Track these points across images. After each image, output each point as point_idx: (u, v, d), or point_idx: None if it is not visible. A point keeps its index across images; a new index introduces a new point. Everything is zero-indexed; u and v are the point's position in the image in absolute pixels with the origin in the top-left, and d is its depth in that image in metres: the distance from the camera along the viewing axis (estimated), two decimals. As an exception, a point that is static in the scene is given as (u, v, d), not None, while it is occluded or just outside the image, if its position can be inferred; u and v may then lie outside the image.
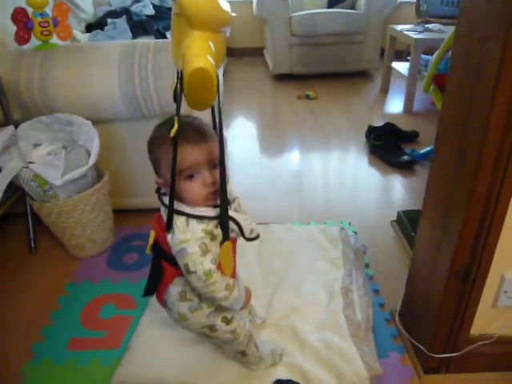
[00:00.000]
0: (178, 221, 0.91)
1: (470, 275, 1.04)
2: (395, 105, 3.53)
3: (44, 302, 1.50)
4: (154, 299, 1.41)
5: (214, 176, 0.93)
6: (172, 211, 0.90)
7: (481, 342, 1.14)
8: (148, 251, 1.00)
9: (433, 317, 1.14)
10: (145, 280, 1.50)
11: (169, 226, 0.91)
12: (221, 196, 0.91)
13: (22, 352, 1.31)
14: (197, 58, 0.77)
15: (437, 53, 2.18)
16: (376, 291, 1.50)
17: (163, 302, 1.05)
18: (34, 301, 1.52)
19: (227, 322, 1.04)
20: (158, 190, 1.00)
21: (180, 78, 0.81)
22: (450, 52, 1.11)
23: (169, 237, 0.92)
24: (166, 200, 0.92)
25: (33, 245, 1.75)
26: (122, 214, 1.89)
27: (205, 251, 0.90)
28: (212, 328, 1.04)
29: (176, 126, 0.82)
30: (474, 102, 0.91)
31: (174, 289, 1.00)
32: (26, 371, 1.25)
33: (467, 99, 0.94)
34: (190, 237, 0.90)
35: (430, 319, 1.15)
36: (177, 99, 0.85)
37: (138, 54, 1.59)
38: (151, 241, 0.99)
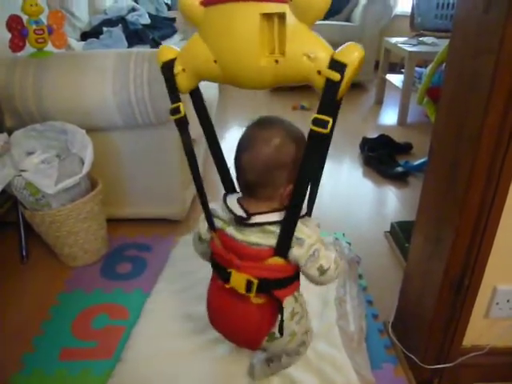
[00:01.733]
0: (301, 226, 0.89)
1: (462, 286, 1.04)
2: (389, 117, 3.55)
3: (35, 312, 1.48)
4: (147, 308, 1.41)
5: None
6: (296, 220, 0.88)
7: (473, 353, 1.14)
8: (253, 295, 0.93)
9: (425, 328, 1.14)
10: (139, 289, 1.51)
11: (289, 239, 0.88)
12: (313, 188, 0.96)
13: (11, 362, 1.29)
14: (350, 47, 0.78)
15: (431, 65, 2.20)
16: (369, 302, 1.50)
17: (269, 338, 0.99)
18: (24, 310, 1.50)
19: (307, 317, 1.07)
20: (246, 216, 0.93)
21: (340, 71, 0.77)
22: (444, 65, 1.12)
23: (295, 250, 0.89)
24: (273, 217, 0.91)
25: (24, 253, 1.74)
26: (115, 223, 1.88)
27: (324, 244, 0.92)
28: (307, 332, 1.08)
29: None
30: (467, 115, 0.92)
31: (285, 313, 0.95)
32: (16, 381, 1.23)
33: (460, 111, 0.95)
34: (316, 236, 0.91)
35: (423, 330, 1.15)
36: (335, 99, 0.81)
37: (133, 62, 1.59)
38: (245, 281, 0.92)
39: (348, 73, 0.77)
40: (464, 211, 0.95)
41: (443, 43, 3.01)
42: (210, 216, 0.98)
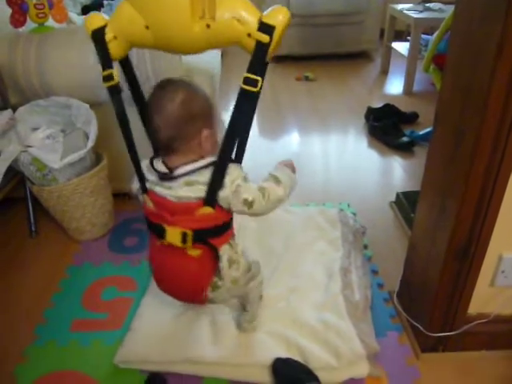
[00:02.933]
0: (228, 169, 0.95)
1: (467, 255, 1.05)
2: (395, 86, 3.50)
3: (45, 285, 1.51)
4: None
5: None
6: (225, 168, 0.94)
7: (478, 321, 1.15)
8: (190, 246, 0.99)
9: (430, 296, 1.15)
10: (146, 262, 1.52)
11: (218, 187, 0.94)
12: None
13: (25, 334, 1.33)
14: (276, 10, 0.82)
15: (437, 32, 2.16)
16: (375, 272, 1.51)
17: (212, 288, 1.06)
18: (35, 283, 1.53)
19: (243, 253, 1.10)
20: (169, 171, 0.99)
21: (268, 33, 0.82)
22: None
23: (221, 193, 0.94)
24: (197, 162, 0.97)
25: (33, 228, 1.76)
26: (121, 197, 1.89)
27: (245, 178, 0.98)
28: (249, 267, 1.11)
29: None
30: (472, 81, 0.91)
31: (222, 260, 1.02)
32: (30, 352, 1.27)
33: (466, 78, 0.93)
34: (236, 173, 0.96)
35: (428, 299, 1.16)
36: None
37: (135, 35, 1.57)
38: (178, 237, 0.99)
39: (276, 34, 0.82)
40: (469, 179, 0.94)
41: (450, 9, 2.95)
42: (142, 178, 1.03)
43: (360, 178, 2.15)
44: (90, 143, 1.53)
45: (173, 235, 0.99)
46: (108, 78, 0.95)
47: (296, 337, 1.22)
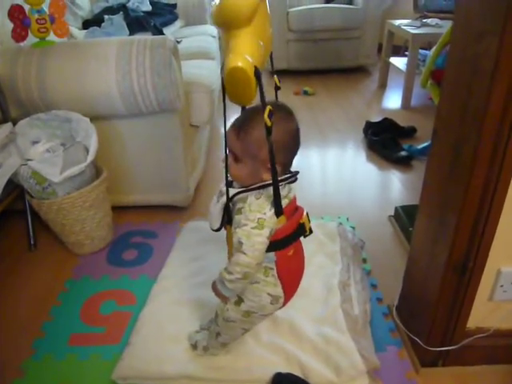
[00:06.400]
0: None
1: (466, 269, 1.05)
2: (393, 100, 3.53)
3: (44, 298, 1.51)
4: (154, 293, 1.43)
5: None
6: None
7: (478, 335, 1.15)
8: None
9: (430, 310, 1.15)
10: (144, 275, 1.52)
11: None
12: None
13: (22, 348, 1.32)
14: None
15: (434, 48, 2.18)
16: (374, 286, 1.51)
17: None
18: (33, 297, 1.52)
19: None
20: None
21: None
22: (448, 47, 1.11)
23: None
24: None
25: (32, 242, 1.76)
26: (120, 210, 1.89)
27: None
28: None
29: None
30: (470, 97, 0.92)
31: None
32: (27, 367, 1.26)
33: (463, 93, 0.94)
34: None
35: (427, 313, 1.16)
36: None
37: (135, 50, 1.59)
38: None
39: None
40: (468, 193, 0.95)
41: (447, 25, 2.99)
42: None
43: (359, 192, 2.16)
44: (90, 157, 1.53)
45: (306, 219, 1.02)
46: None
47: (296, 351, 1.21)
